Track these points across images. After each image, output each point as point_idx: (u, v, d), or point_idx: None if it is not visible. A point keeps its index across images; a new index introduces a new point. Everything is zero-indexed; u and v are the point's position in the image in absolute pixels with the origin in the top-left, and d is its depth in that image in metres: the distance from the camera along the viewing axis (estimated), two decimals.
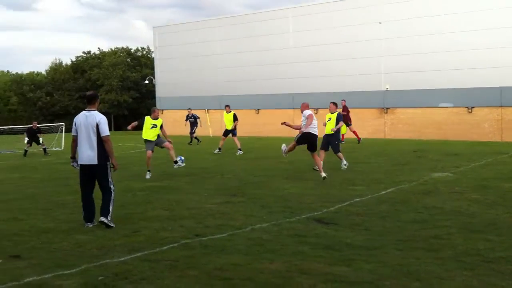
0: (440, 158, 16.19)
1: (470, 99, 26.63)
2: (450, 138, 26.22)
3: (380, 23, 28.99)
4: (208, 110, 35.52)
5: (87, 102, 7.81)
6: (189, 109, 27.48)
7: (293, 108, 31.17)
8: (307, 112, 12.38)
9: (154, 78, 41.54)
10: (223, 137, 20.16)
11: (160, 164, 15.76)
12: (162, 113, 39.41)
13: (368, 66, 29.46)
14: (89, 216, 7.65)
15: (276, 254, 6.04)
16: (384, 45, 28.96)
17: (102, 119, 7.63)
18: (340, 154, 14.06)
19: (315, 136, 12.25)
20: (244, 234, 7.01)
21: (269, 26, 33.53)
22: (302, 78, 32.00)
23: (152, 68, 46.59)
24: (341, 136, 17.40)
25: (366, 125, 28.94)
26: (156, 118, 13.44)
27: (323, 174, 11.81)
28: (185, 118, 27.07)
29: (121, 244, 6.61)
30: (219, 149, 19.94)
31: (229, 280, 5.19)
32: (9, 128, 28.38)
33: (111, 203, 7.57)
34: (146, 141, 13.36)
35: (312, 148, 12.25)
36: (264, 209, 8.64)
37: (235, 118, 19.92)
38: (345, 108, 23.64)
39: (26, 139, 22.24)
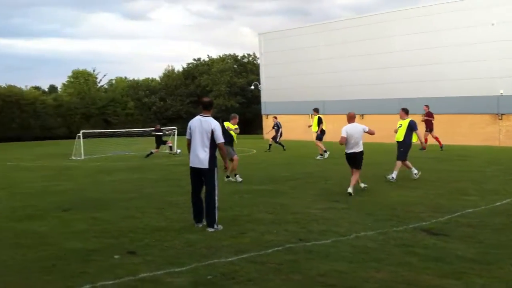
0: None
1: None
2: None
3: (492, 24, 27.33)
4: (312, 115, 35.50)
5: (203, 108, 8.07)
6: (274, 117, 27.46)
7: (398, 114, 30.26)
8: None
9: (259, 83, 42.34)
10: (317, 140, 20.00)
11: (265, 167, 16.03)
12: (267, 118, 40.06)
13: (481, 70, 27.87)
14: (199, 216, 7.99)
15: (382, 263, 5.93)
16: (497, 47, 27.26)
17: (217, 126, 7.88)
18: (407, 162, 13.24)
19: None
20: (348, 241, 6.96)
21: (373, 30, 32.90)
22: (409, 83, 31.00)
23: (258, 74, 47.46)
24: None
25: (477, 132, 27.39)
26: (234, 124, 13.74)
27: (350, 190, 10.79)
28: (272, 125, 26.95)
29: (228, 244, 6.83)
30: (323, 152, 19.71)
31: (333, 287, 5.19)
32: (126, 131, 30.33)
33: (216, 211, 7.75)
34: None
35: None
36: (369, 217, 8.51)
37: (320, 122, 19.77)
38: (429, 114, 22.68)
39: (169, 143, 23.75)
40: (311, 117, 35.19)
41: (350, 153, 11.21)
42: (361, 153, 11.28)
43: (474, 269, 5.63)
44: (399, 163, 13.16)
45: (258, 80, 43.80)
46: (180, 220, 8.38)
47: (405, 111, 13.86)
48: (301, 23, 71.04)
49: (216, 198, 7.84)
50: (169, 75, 63.18)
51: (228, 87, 58.13)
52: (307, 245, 6.73)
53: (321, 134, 19.85)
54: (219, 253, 6.44)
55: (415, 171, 13.21)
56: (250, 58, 65.28)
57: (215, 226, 7.72)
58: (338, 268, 5.76)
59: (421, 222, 8.01)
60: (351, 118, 11.50)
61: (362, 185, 11.50)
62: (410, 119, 13.51)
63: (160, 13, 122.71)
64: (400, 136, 13.39)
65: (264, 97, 40.75)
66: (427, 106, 23.46)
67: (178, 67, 71.08)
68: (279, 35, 39.81)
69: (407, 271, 5.64)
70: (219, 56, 64.38)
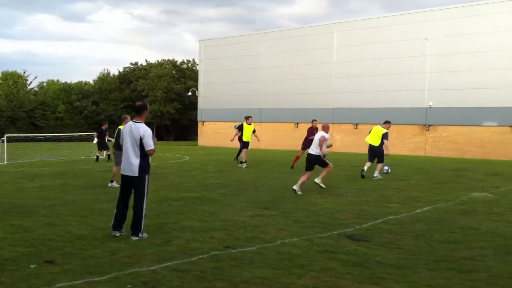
0: (480, 178, 15.79)
1: None
2: (493, 157, 25.54)
3: (426, 39, 28.61)
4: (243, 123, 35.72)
5: (135, 113, 7.83)
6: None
7: (333, 123, 31.02)
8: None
9: (197, 90, 42.18)
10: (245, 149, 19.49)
11: (197, 175, 15.95)
12: (203, 124, 39.93)
13: (412, 83, 29.09)
14: (119, 224, 7.76)
15: (305, 269, 6.02)
16: (429, 62, 28.55)
17: (146, 132, 7.61)
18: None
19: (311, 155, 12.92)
20: (274, 248, 7.02)
21: (313, 40, 33.61)
22: (344, 93, 31.87)
23: (196, 80, 47.33)
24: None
25: (406, 142, 28.53)
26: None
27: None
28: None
29: (152, 253, 6.71)
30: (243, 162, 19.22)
31: None
32: (55, 135, 29.35)
33: (142, 221, 7.60)
34: None
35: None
36: (296, 224, 8.62)
37: (253, 131, 19.51)
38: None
39: (96, 140, 22.80)
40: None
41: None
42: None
43: (392, 274, 5.81)
44: (380, 165, 15.40)
45: (196, 87, 43.66)
46: (104, 228, 8.14)
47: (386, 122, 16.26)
48: (245, 32, 71.54)
49: (144, 206, 7.69)
50: (104, 78, 61.80)
51: (164, 93, 57.52)
52: (232, 252, 6.72)
53: (246, 143, 19.41)
54: (142, 261, 6.31)
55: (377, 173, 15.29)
56: (190, 64, 65.00)
57: (140, 235, 7.56)
58: (261, 275, 5.79)
59: (345, 229, 8.20)
60: (324, 128, 12.97)
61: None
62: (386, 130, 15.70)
63: (101, 16, 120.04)
64: (377, 142, 15.67)
65: (201, 104, 40.62)
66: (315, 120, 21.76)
67: (115, 71, 69.73)
68: (219, 42, 39.90)
69: (329, 276, 5.74)
70: (157, 61, 63.68)
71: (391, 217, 9.25)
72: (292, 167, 18.25)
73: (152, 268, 6.01)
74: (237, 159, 20.27)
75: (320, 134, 12.80)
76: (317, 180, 12.94)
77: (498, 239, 7.54)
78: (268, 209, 10.01)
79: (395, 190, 12.97)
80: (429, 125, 28.76)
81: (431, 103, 28.59)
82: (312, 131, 17.63)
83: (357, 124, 30.93)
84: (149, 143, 7.65)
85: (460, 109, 27.50)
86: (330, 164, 13.04)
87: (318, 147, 12.60)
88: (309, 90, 33.40)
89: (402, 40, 29.47)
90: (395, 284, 5.47)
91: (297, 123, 33.98)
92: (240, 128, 19.51)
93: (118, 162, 12.94)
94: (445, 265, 6.19)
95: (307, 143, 17.41)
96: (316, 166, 12.81)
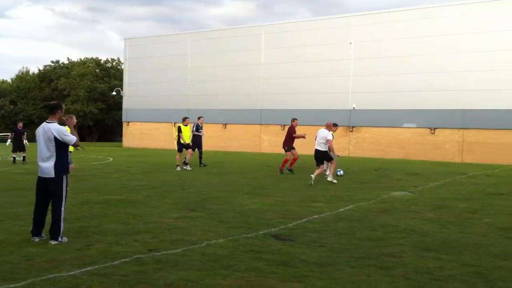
0: (400, 177, 16.47)
1: (433, 120, 27.27)
2: (412, 157, 26.73)
3: (350, 43, 29.50)
4: (175, 123, 35.36)
5: (49, 112, 7.56)
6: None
7: (260, 124, 31.33)
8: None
9: (122, 89, 41.19)
10: (192, 151, 19.38)
11: (120, 176, 15.56)
12: (128, 125, 39.06)
13: (337, 85, 29.91)
14: (38, 229, 7.44)
15: (230, 270, 6.00)
16: (353, 65, 29.46)
17: (59, 131, 7.32)
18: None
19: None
20: (199, 249, 6.95)
21: (241, 42, 33.76)
22: (271, 95, 32.25)
23: (121, 80, 46.25)
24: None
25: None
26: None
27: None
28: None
29: (72, 257, 6.46)
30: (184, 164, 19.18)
31: None
32: None
33: (61, 223, 7.31)
34: None
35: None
36: (222, 225, 8.59)
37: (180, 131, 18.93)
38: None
39: (9, 141, 21.57)
40: (174, 125, 35.11)
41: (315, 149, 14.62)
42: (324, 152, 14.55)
43: (315, 272, 5.90)
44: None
45: (121, 86, 42.65)
46: (21, 233, 7.74)
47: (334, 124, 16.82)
48: (172, 31, 70.53)
49: (63, 209, 7.38)
50: (23, 77, 59.06)
51: (87, 92, 55.80)
52: (156, 255, 6.59)
53: (188, 145, 19.05)
54: (61, 266, 6.05)
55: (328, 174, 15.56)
56: (114, 63, 63.47)
57: (59, 239, 7.25)
58: (186, 277, 5.71)
59: (271, 229, 8.27)
60: (328, 126, 15.06)
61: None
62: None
63: (21, 12, 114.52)
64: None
65: (126, 104, 39.71)
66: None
67: (35, 69, 66.83)
68: (145, 41, 39.17)
69: (254, 276, 5.76)
70: (80, 59, 61.66)
71: (316, 216, 9.43)
72: (281, 171, 17.42)
73: (72, 273, 5.78)
74: (202, 163, 19.83)
75: (325, 133, 14.55)
76: (329, 179, 14.66)
77: (416, 236, 7.86)
78: (194, 211, 9.91)
79: (319, 189, 13.26)
80: (352, 127, 29.68)
81: (354, 105, 29.51)
82: (293, 130, 17.64)
83: (284, 125, 31.37)
84: (68, 139, 7.37)
85: (382, 111, 28.57)
86: (335, 159, 14.87)
87: (327, 143, 14.34)
88: (237, 91, 33.53)
89: (328, 43, 30.24)
90: (318, 281, 5.56)
91: (225, 124, 34.01)
92: (179, 131, 18.96)
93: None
94: (366, 262, 6.37)
95: (290, 143, 17.54)
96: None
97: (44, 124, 7.50)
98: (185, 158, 19.09)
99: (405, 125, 28.07)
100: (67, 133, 7.41)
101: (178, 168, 18.50)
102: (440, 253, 6.80)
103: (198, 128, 19.78)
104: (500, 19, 25.55)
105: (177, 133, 19.09)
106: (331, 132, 15.04)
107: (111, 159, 24.28)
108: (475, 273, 5.91)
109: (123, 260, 6.35)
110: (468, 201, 11.46)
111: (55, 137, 7.30)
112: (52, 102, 7.73)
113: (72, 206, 9.33)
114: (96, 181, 15.02)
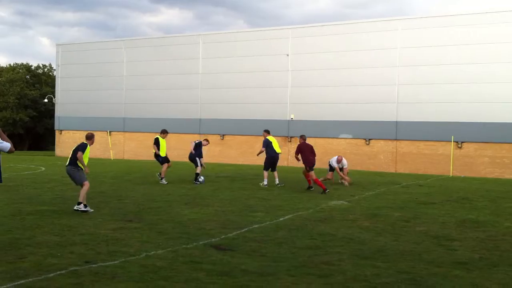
0: (337, 187, 16.81)
1: (368, 132, 28.10)
2: (348, 167, 27.38)
3: (287, 55, 29.95)
4: (110, 132, 34.58)
5: None
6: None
7: (199, 133, 31.15)
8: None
9: (54, 96, 39.82)
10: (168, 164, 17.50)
11: (54, 187, 15.01)
12: (61, 133, 37.80)
13: (275, 96, 30.25)
14: None
15: (170, 281, 5.90)
16: (291, 76, 29.92)
17: None
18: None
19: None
20: (137, 261, 6.80)
21: (179, 50, 33.50)
22: (210, 104, 32.18)
23: (53, 87, 44.72)
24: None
25: None
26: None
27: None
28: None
29: (3, 271, 6.17)
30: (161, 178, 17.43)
31: None
32: None
33: None
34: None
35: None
36: (161, 236, 8.45)
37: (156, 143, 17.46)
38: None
39: None
40: (109, 134, 34.31)
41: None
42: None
43: (255, 281, 5.91)
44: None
45: (53, 93, 41.22)
46: None
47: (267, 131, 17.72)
48: (104, 38, 68.86)
49: None
50: None
51: (17, 99, 53.58)
52: (93, 267, 6.39)
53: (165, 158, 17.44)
54: None
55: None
56: (46, 69, 61.33)
57: None
58: None
59: (211, 239, 8.22)
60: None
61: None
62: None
63: None
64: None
65: (59, 111, 38.40)
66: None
67: None
68: (79, 47, 38.07)
69: (194, 287, 5.70)
70: (9, 65, 59.17)
71: (256, 225, 9.46)
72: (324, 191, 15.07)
73: (4, 287, 5.51)
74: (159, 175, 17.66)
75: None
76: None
77: (353, 244, 8.04)
78: (132, 222, 9.70)
79: (259, 199, 13.31)
80: (291, 137, 30.07)
81: (292, 116, 29.94)
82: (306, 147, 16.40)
83: (223, 135, 31.38)
84: (3, 146, 7.07)
85: (319, 122, 29.14)
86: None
87: None
88: (175, 100, 33.20)
89: (265, 54, 30.57)
90: None
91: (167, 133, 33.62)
92: (156, 142, 17.36)
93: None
94: (305, 270, 6.45)
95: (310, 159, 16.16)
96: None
97: None
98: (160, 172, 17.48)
99: (341, 136, 28.75)
100: (1, 141, 7.10)
101: (164, 181, 17.13)
102: (377, 260, 6.98)
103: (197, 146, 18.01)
104: (421, 34, 26.73)
105: (153, 144, 17.43)
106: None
107: (43, 168, 23.36)
108: (410, 280, 6.11)
109: (58, 272, 6.13)
110: (402, 210, 11.86)
111: None
112: None
113: (3, 218, 8.92)
114: (28, 191, 14.41)
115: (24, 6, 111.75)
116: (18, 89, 53.55)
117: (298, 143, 16.68)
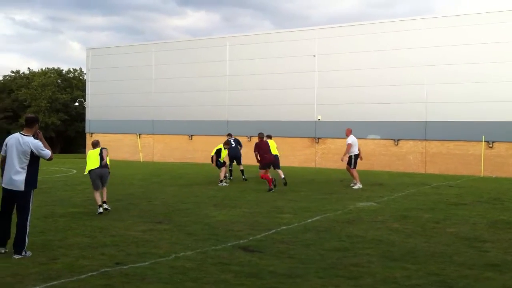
0: (365, 188, 16.67)
1: (396, 132, 27.75)
2: (376, 168, 27.10)
3: (314, 56, 29.84)
4: (140, 134, 35.01)
5: (26, 125, 7.57)
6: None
7: (226, 135, 31.27)
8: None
9: (84, 100, 40.52)
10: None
11: (84, 189, 15.28)
12: (91, 136, 38.42)
13: (302, 97, 30.16)
14: (2, 240, 7.31)
15: (198, 282, 5.96)
16: (318, 77, 29.79)
17: (37, 145, 7.35)
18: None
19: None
20: (167, 262, 6.88)
21: (206, 53, 33.71)
22: (237, 106, 32.28)
23: (84, 91, 45.50)
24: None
25: (297, 154, 29.48)
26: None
27: None
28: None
29: (37, 272, 6.32)
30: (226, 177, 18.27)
31: None
32: None
33: (26, 238, 7.20)
34: None
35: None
36: (190, 237, 8.53)
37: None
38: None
39: None
40: (139, 137, 34.76)
41: None
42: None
43: (283, 283, 5.92)
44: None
45: (84, 97, 41.94)
46: None
47: (268, 136, 18.03)
48: (134, 42, 69.75)
49: (28, 223, 7.31)
50: None
51: (49, 103, 54.70)
52: (123, 269, 6.49)
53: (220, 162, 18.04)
54: (26, 281, 5.91)
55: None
56: (76, 74, 62.44)
57: (23, 253, 7.10)
58: None
59: (239, 240, 8.25)
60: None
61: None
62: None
63: None
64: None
65: (89, 115, 39.03)
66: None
67: None
68: (108, 51, 38.63)
69: None
70: (41, 69, 60.43)
71: (284, 227, 9.45)
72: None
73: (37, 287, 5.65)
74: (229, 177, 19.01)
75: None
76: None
77: (382, 246, 7.97)
78: (161, 223, 9.81)
79: (287, 201, 13.29)
80: (318, 138, 29.94)
81: (319, 117, 29.79)
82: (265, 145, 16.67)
83: (250, 137, 31.41)
84: (45, 153, 7.40)
85: (346, 123, 28.79)
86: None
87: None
88: (203, 103, 33.41)
89: (292, 55, 30.48)
90: None
91: (191, 135, 33.84)
92: (219, 154, 18.22)
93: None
94: (334, 272, 6.42)
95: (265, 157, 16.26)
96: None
97: (19, 136, 7.40)
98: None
99: (369, 137, 28.47)
100: (43, 148, 7.41)
101: (223, 183, 17.39)
102: (407, 262, 6.91)
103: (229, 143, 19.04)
104: (450, 33, 26.29)
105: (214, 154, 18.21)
106: None
107: (75, 171, 23.80)
108: (441, 282, 6.03)
109: (89, 274, 6.24)
110: (432, 211, 11.69)
111: (31, 151, 7.25)
112: (30, 115, 7.72)
113: (36, 220, 9.11)
114: (60, 193, 14.71)
115: (55, 11, 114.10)
116: (50, 93, 54.69)
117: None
